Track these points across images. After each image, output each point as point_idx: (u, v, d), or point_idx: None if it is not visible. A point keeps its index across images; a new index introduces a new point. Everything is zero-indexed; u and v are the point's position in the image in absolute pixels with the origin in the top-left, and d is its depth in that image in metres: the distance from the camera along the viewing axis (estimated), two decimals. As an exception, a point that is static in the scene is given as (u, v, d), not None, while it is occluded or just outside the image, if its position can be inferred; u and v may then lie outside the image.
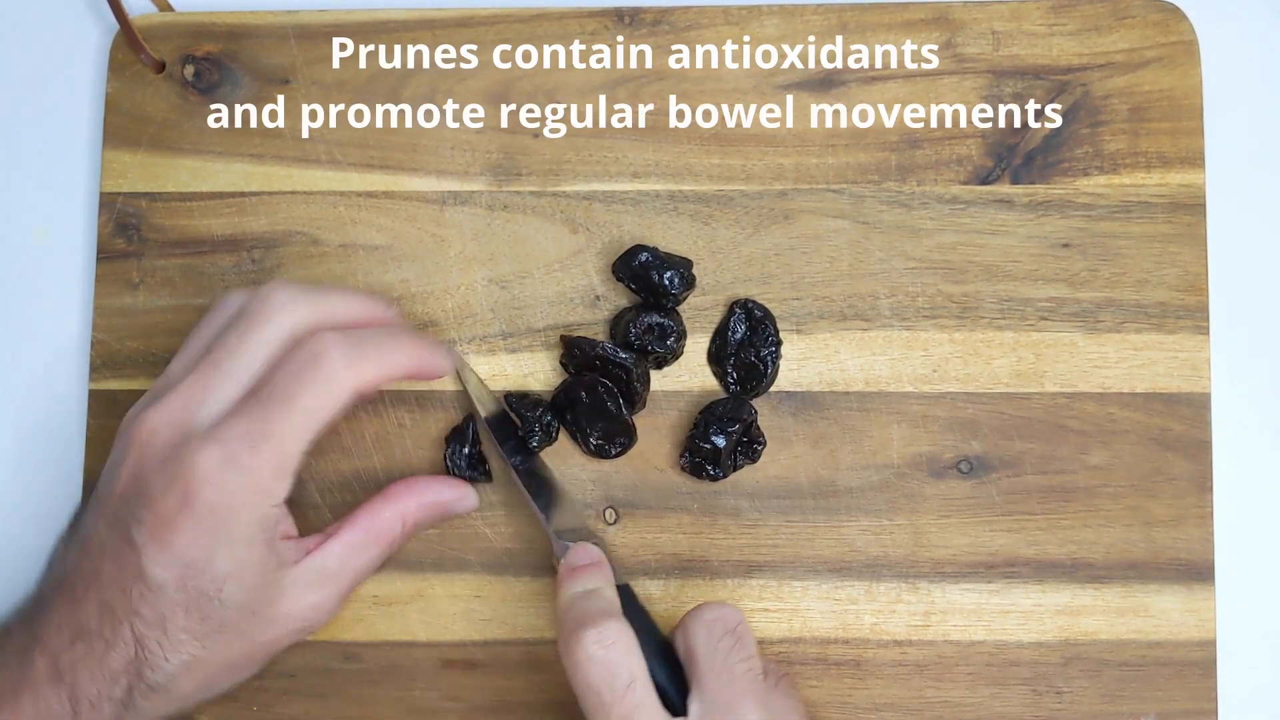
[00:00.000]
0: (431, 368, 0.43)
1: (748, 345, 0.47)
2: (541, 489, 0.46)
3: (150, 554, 0.39)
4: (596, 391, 0.46)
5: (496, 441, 0.46)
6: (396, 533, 0.44)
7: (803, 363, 0.48)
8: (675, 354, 0.47)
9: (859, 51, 0.49)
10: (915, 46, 0.49)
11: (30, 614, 0.41)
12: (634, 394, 0.46)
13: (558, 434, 0.47)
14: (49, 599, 0.41)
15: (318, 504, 0.47)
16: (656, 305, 0.47)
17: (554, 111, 0.49)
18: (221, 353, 0.41)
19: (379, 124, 0.50)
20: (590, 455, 0.47)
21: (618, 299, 0.48)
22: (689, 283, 0.47)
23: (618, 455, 0.47)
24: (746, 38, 0.49)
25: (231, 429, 0.40)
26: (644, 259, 0.46)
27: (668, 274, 0.46)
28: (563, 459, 0.48)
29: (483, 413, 0.46)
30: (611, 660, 0.39)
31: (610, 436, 0.46)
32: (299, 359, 0.40)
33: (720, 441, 0.46)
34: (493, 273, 0.49)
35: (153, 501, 0.39)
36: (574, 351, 0.46)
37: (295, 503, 0.42)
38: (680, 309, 0.48)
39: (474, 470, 0.47)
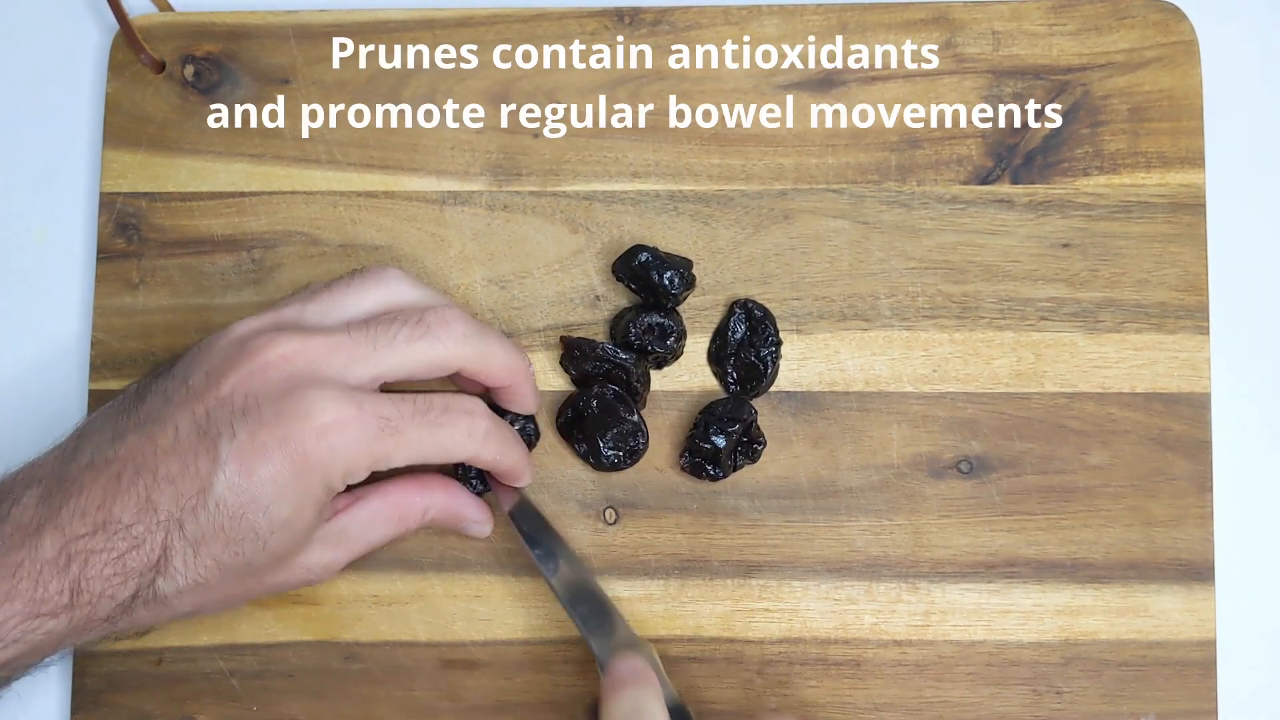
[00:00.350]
0: (518, 478, 0.45)
1: (748, 345, 0.47)
2: (583, 597, 0.45)
3: (228, 472, 0.38)
4: (605, 398, 0.46)
5: (528, 546, 0.46)
6: (415, 520, 0.44)
7: (803, 363, 0.48)
8: (675, 354, 0.47)
9: (859, 51, 0.49)
10: (915, 46, 0.49)
11: (50, 486, 0.39)
12: (635, 394, 0.46)
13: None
14: (80, 479, 0.38)
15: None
16: (656, 305, 0.47)
17: (554, 111, 0.49)
18: (384, 337, 0.41)
19: (379, 124, 0.50)
20: (603, 470, 0.47)
21: (618, 299, 0.48)
22: (689, 283, 0.47)
23: (631, 464, 0.47)
24: (746, 38, 0.49)
25: (372, 403, 0.40)
26: (644, 259, 0.46)
27: (668, 274, 0.46)
28: (561, 459, 0.48)
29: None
30: None
31: (623, 441, 0.46)
32: (463, 404, 0.42)
33: (720, 441, 0.46)
34: (493, 273, 0.49)
35: (258, 423, 0.38)
36: (574, 352, 0.46)
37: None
38: (680, 309, 0.48)
39: (485, 486, 0.47)
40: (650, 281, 0.46)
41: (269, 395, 0.39)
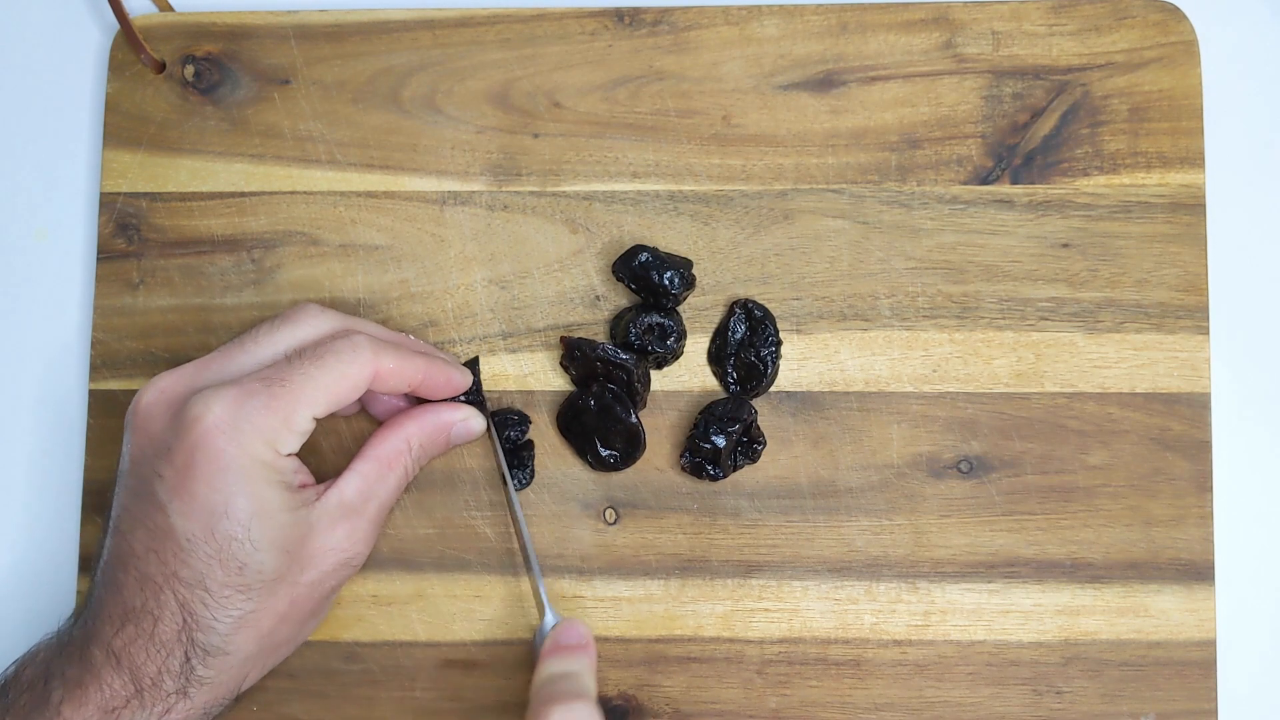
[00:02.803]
0: (447, 380, 0.45)
1: (748, 345, 0.47)
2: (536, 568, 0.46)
3: (175, 508, 0.40)
4: (604, 399, 0.46)
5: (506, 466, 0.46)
6: (407, 457, 0.44)
7: (803, 363, 0.48)
8: (675, 354, 0.47)
9: (859, 51, 0.49)
10: (915, 46, 0.49)
11: (84, 613, 0.42)
12: (635, 394, 0.46)
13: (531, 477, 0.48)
14: (97, 597, 0.41)
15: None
16: (656, 305, 0.47)
17: (554, 111, 0.49)
18: (248, 336, 0.43)
19: (379, 124, 0.50)
20: (598, 469, 0.47)
21: (618, 299, 0.48)
22: (689, 283, 0.47)
23: (627, 465, 0.47)
24: (746, 38, 0.49)
25: (249, 376, 0.41)
26: (644, 259, 0.46)
27: (668, 274, 0.46)
28: (561, 459, 0.48)
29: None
30: None
31: (620, 442, 0.46)
32: (328, 337, 0.42)
33: (720, 441, 0.46)
34: (493, 273, 0.49)
35: (168, 455, 0.40)
36: (574, 353, 0.46)
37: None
38: (680, 309, 0.48)
39: (476, 400, 0.47)
40: (650, 282, 0.46)
41: (162, 428, 0.41)
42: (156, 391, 0.42)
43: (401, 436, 0.44)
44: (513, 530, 0.47)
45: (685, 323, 0.48)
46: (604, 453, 0.46)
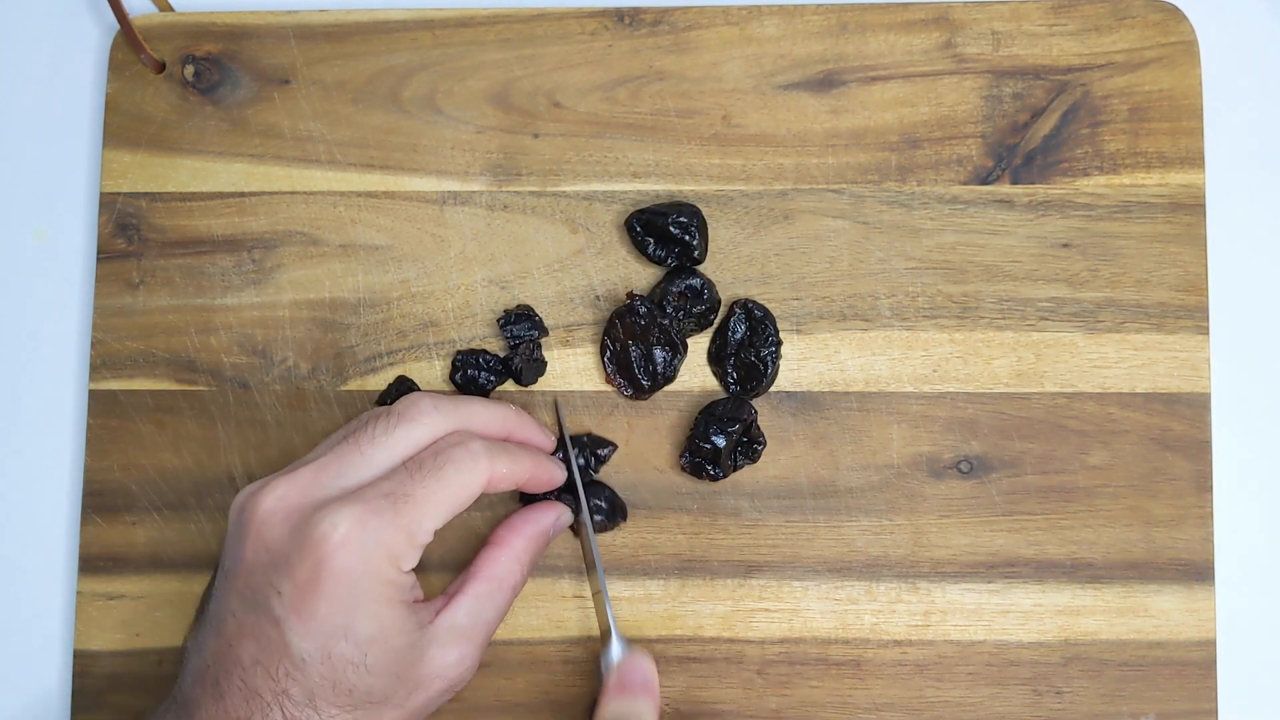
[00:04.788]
0: (549, 478, 0.45)
1: (748, 345, 0.47)
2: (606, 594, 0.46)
3: (292, 625, 0.38)
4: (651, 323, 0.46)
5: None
6: (518, 576, 0.44)
7: (803, 363, 0.48)
8: (713, 310, 0.48)
9: (859, 51, 0.49)
10: (915, 46, 0.49)
11: (180, 715, 0.40)
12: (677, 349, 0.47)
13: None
14: (194, 696, 0.40)
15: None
16: (682, 268, 0.47)
17: (554, 111, 0.49)
18: (364, 438, 0.41)
19: (379, 124, 0.50)
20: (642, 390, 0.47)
21: (617, 299, 0.48)
22: (700, 224, 0.47)
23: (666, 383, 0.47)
24: (746, 38, 0.49)
25: (372, 489, 0.40)
26: (647, 217, 0.47)
27: (674, 216, 0.47)
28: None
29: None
30: None
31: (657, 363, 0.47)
32: (447, 441, 0.42)
33: (720, 441, 0.46)
34: (493, 273, 0.49)
35: (289, 570, 0.39)
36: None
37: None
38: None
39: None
40: (667, 233, 0.47)
41: (284, 539, 0.39)
42: (275, 499, 0.40)
43: (513, 555, 0.44)
44: (582, 551, 0.47)
45: (684, 323, 0.48)
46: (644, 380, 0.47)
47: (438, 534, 0.41)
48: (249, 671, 0.39)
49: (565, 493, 0.46)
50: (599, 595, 0.46)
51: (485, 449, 0.42)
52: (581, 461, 0.47)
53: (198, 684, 0.40)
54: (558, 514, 0.46)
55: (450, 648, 0.41)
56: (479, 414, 0.44)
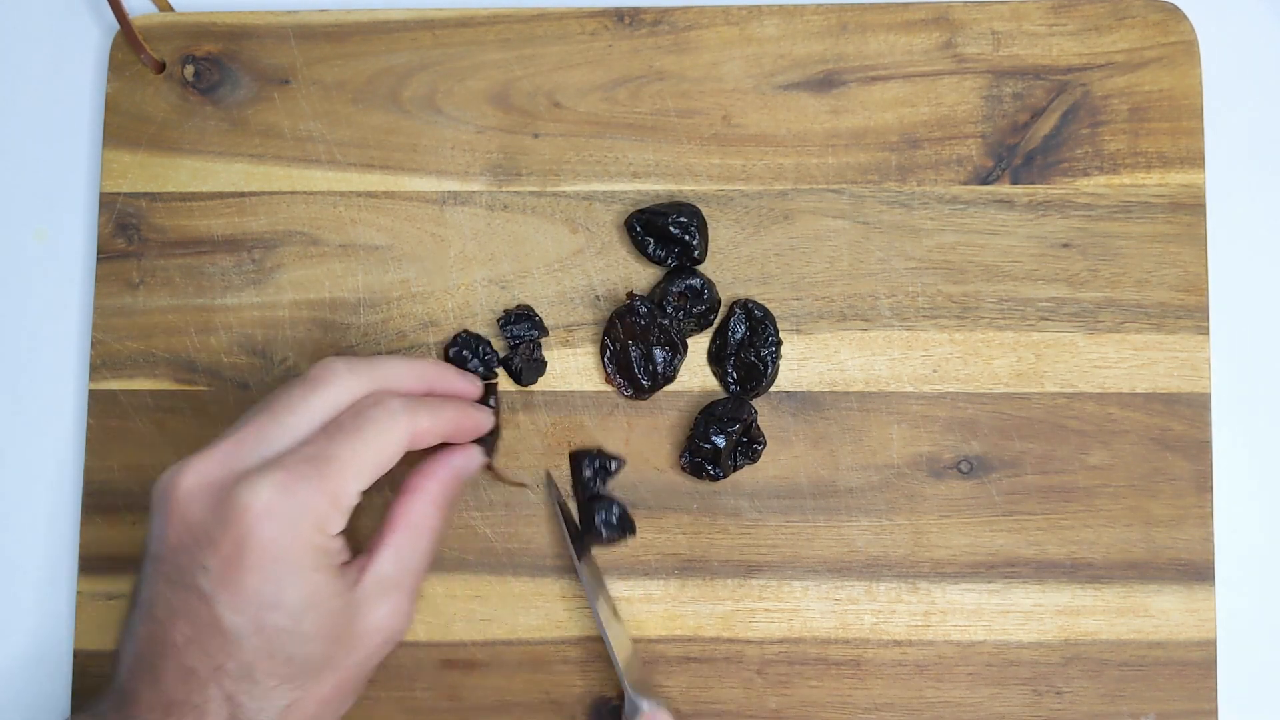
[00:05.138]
0: (475, 426, 0.45)
1: (748, 345, 0.47)
2: (609, 620, 0.46)
3: (222, 600, 0.38)
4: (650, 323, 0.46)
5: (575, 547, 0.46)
6: (435, 519, 0.43)
7: (803, 363, 0.48)
8: (713, 310, 0.48)
9: (859, 51, 0.49)
10: (915, 46, 0.49)
11: (119, 704, 0.39)
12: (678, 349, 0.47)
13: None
14: (131, 684, 0.39)
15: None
16: (682, 268, 0.47)
17: (554, 111, 0.49)
18: (279, 406, 0.41)
19: (379, 124, 0.50)
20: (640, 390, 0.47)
21: (617, 299, 0.48)
22: (700, 224, 0.47)
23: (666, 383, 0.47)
24: (746, 38, 0.49)
25: (292, 456, 0.39)
26: (647, 217, 0.47)
27: (674, 216, 0.47)
28: (564, 459, 0.48)
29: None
30: None
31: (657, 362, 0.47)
32: (365, 402, 0.41)
33: (720, 441, 0.46)
34: (493, 273, 0.49)
35: (214, 545, 0.38)
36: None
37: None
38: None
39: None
40: (666, 233, 0.47)
41: (207, 516, 0.39)
42: (194, 476, 0.39)
43: (428, 499, 0.43)
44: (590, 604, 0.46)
45: (684, 323, 0.48)
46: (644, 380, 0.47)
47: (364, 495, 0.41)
48: (183, 651, 0.38)
49: (576, 544, 0.47)
50: (610, 656, 0.45)
51: (404, 405, 0.41)
52: (574, 522, 0.47)
53: (133, 673, 0.39)
54: (467, 455, 0.45)
55: (381, 601, 0.41)
56: (396, 371, 0.43)
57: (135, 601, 0.41)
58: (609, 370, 0.47)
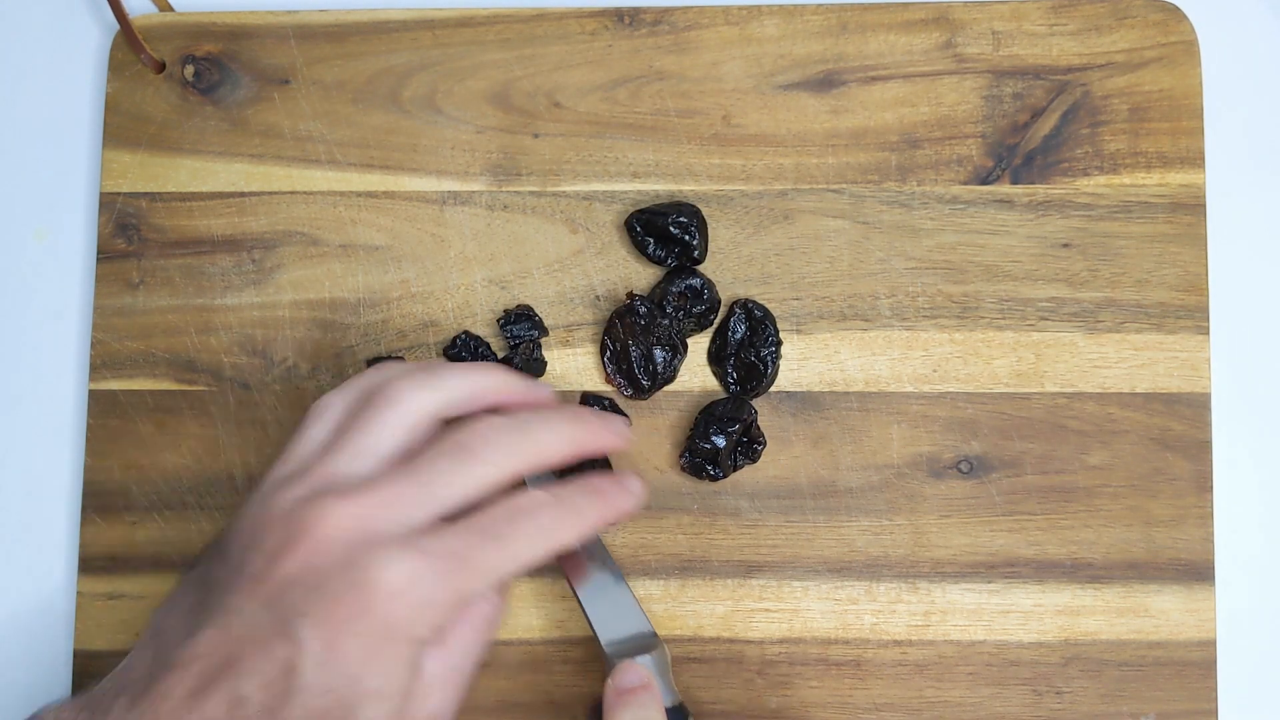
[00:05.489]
0: (611, 514, 0.43)
1: (748, 345, 0.47)
2: (600, 591, 0.45)
3: (311, 652, 0.36)
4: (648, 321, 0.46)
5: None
6: (497, 618, 0.41)
7: (803, 363, 0.48)
8: (713, 310, 0.48)
9: (859, 51, 0.49)
10: (915, 46, 0.49)
11: (139, 691, 0.37)
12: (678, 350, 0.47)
13: None
14: (164, 678, 0.37)
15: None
16: (682, 268, 0.47)
17: (554, 111, 0.49)
18: (433, 476, 0.39)
19: (379, 124, 0.50)
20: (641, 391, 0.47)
21: (617, 299, 0.48)
22: (700, 224, 0.47)
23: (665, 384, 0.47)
24: (746, 38, 0.49)
25: (438, 543, 0.38)
26: (647, 217, 0.47)
27: (674, 216, 0.47)
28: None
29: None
30: None
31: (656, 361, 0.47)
32: (520, 505, 0.40)
33: (720, 441, 0.46)
34: (493, 273, 0.49)
35: (329, 600, 0.36)
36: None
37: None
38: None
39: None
40: (666, 232, 0.47)
41: (334, 568, 0.37)
42: (334, 522, 0.37)
43: (492, 604, 0.41)
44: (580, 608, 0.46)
45: (684, 323, 0.48)
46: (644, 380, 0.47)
47: None
48: (244, 679, 0.37)
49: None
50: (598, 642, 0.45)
51: (556, 521, 0.40)
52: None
53: (173, 670, 0.37)
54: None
55: (436, 692, 0.39)
56: (547, 446, 0.41)
57: (198, 594, 0.39)
58: (609, 370, 0.47)
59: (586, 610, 0.44)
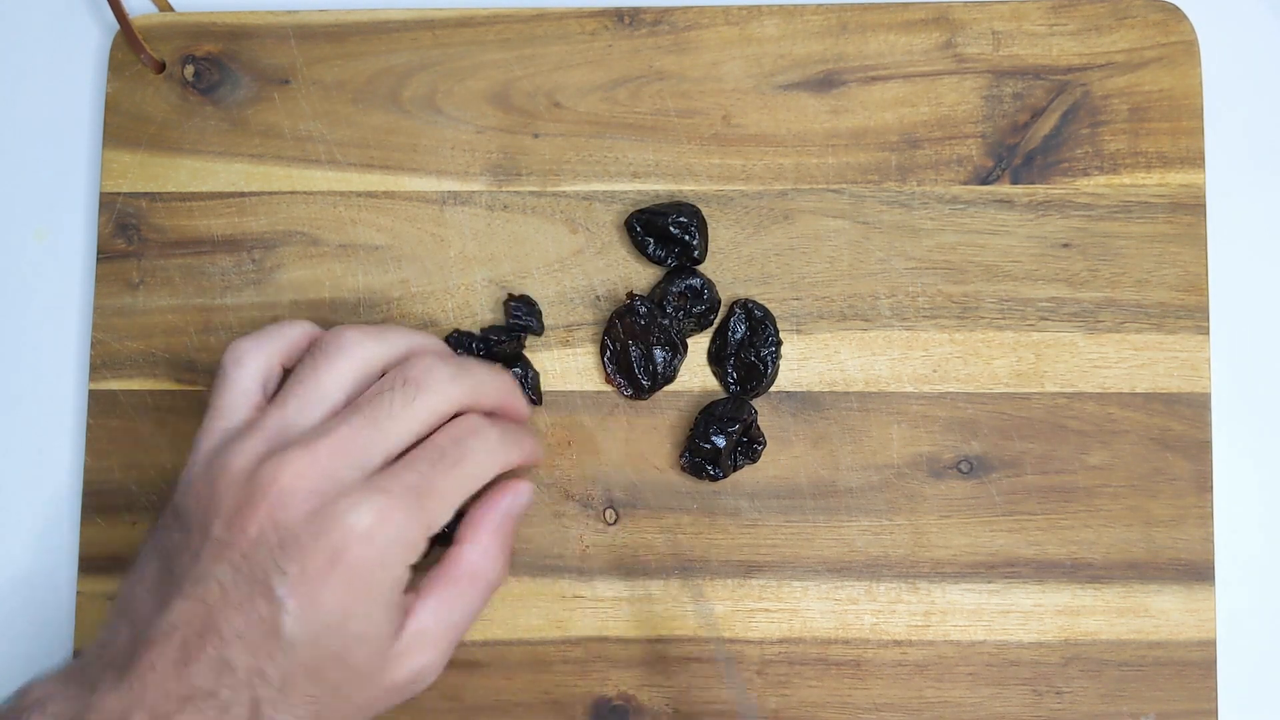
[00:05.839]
0: (535, 460, 0.45)
1: (748, 345, 0.47)
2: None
3: (290, 609, 0.37)
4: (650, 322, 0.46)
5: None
6: (492, 572, 0.42)
7: (803, 363, 0.48)
8: (713, 310, 0.48)
9: (859, 51, 0.49)
10: (915, 46, 0.49)
11: (124, 668, 0.37)
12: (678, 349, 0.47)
13: None
14: (147, 656, 0.37)
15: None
16: (682, 261, 0.47)
17: (554, 111, 0.49)
18: (381, 413, 0.40)
19: (379, 124, 0.50)
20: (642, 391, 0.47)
21: (617, 299, 0.48)
22: (700, 224, 0.47)
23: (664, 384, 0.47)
24: (746, 38, 0.49)
25: (397, 480, 0.38)
26: (647, 217, 0.47)
27: (674, 216, 0.47)
28: (564, 459, 0.48)
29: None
30: None
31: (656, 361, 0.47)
32: (464, 427, 0.41)
33: (720, 441, 0.46)
34: (493, 273, 0.49)
35: (300, 553, 0.37)
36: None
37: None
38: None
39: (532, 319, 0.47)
40: (666, 232, 0.47)
41: (300, 521, 0.38)
42: (292, 476, 0.38)
43: (480, 550, 0.41)
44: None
45: (684, 323, 0.48)
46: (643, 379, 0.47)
47: None
48: (227, 643, 0.37)
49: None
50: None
51: (501, 439, 0.41)
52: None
53: (152, 644, 0.37)
54: (514, 494, 0.43)
55: (416, 655, 0.40)
56: (486, 386, 0.42)
57: (161, 565, 0.39)
58: (609, 370, 0.47)
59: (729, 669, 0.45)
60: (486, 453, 0.41)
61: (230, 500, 0.38)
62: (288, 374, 0.42)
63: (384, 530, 0.38)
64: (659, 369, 0.47)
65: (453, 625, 0.41)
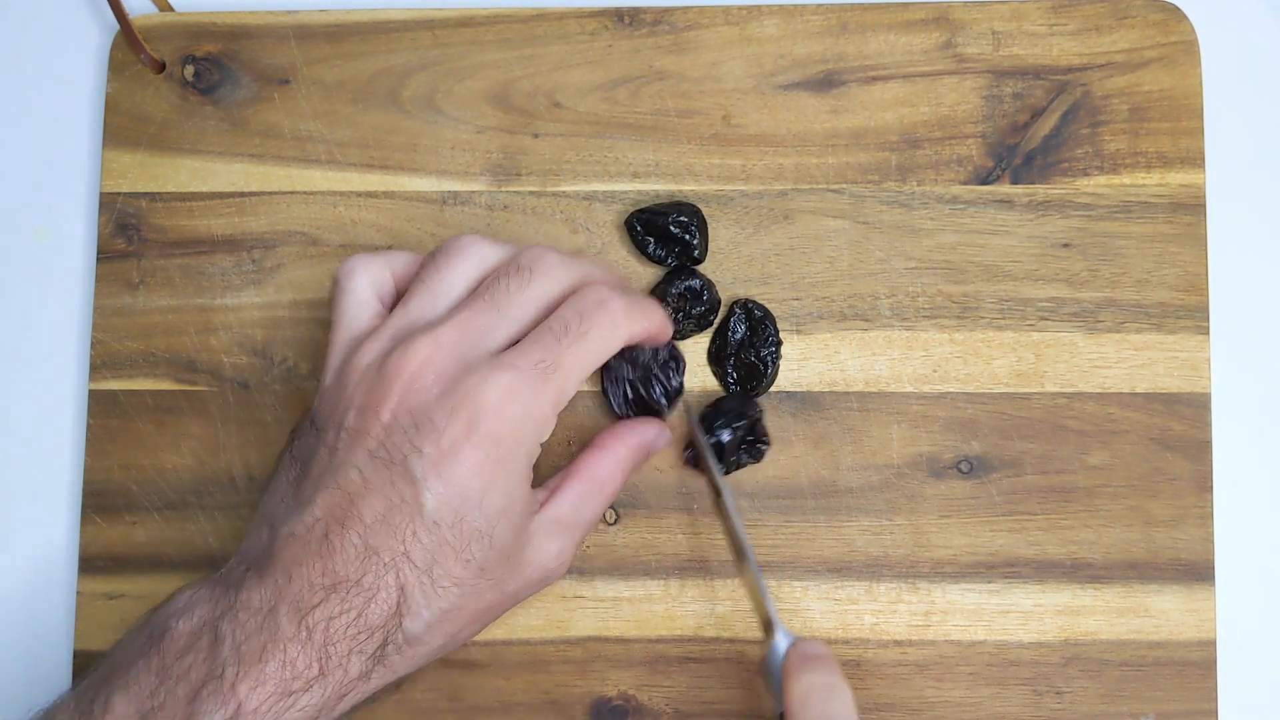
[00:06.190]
0: (665, 333, 0.44)
1: (748, 345, 0.47)
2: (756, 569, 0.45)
3: (430, 486, 0.37)
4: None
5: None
6: (617, 480, 0.43)
7: (803, 363, 0.48)
8: (713, 310, 0.47)
9: (859, 51, 0.49)
10: (915, 46, 0.49)
11: (264, 566, 0.38)
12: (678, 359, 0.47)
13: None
14: (284, 552, 0.38)
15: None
16: (683, 260, 0.47)
17: (554, 111, 0.49)
18: (500, 296, 0.40)
19: (379, 124, 0.50)
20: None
21: (618, 299, 0.48)
22: (700, 224, 0.47)
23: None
24: (746, 38, 0.49)
25: (523, 357, 0.39)
26: (647, 217, 0.47)
27: (674, 216, 0.47)
28: (563, 458, 0.48)
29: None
30: None
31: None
32: (587, 300, 0.41)
33: (726, 436, 0.46)
34: (493, 273, 0.49)
35: (434, 432, 0.38)
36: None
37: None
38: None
39: (641, 408, 0.46)
40: (667, 232, 0.47)
41: (431, 402, 0.38)
42: (421, 361, 0.39)
43: (614, 460, 0.43)
44: (727, 539, 0.46)
45: (684, 323, 0.48)
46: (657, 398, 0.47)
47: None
48: (371, 529, 0.37)
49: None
50: (754, 588, 0.44)
51: (624, 309, 0.41)
52: (721, 467, 0.46)
53: (296, 539, 0.38)
54: (658, 430, 0.45)
55: (553, 538, 0.41)
56: (597, 274, 0.43)
57: (299, 469, 0.40)
58: (626, 414, 0.46)
59: (758, 577, 0.44)
60: (611, 324, 0.41)
61: (362, 393, 0.39)
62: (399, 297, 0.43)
63: (513, 404, 0.38)
64: (669, 386, 0.46)
65: (580, 522, 0.42)
